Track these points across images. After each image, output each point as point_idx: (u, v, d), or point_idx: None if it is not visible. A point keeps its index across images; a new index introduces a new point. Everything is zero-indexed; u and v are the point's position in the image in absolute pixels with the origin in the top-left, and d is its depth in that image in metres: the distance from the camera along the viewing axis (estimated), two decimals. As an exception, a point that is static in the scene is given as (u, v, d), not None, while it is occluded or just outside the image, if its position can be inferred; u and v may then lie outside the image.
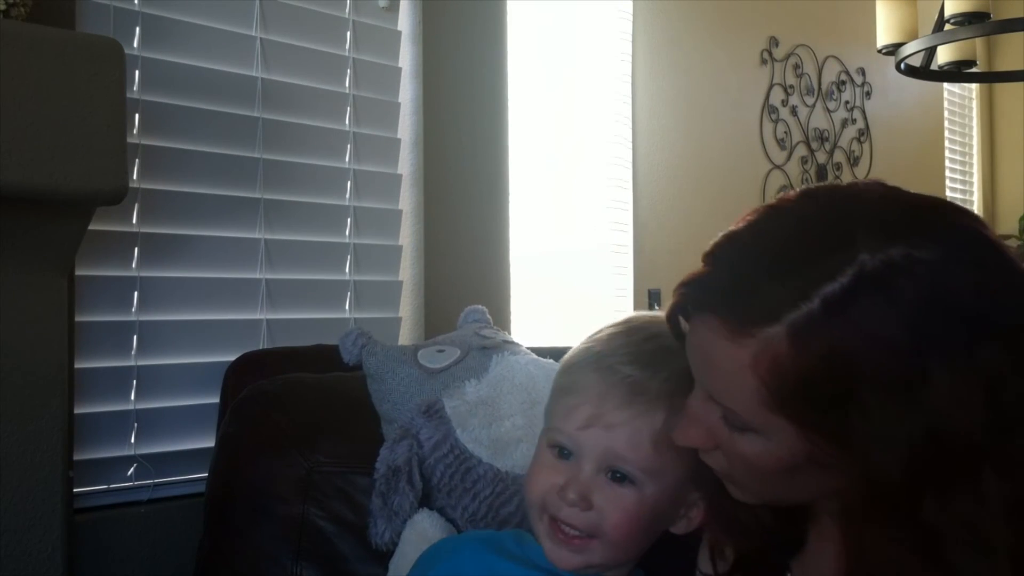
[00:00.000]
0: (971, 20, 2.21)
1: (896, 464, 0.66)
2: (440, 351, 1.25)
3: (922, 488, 0.66)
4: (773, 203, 0.75)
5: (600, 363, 0.87)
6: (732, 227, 0.75)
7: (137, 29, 1.48)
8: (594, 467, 0.84)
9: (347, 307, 1.77)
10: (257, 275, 1.63)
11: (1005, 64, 3.80)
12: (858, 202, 0.71)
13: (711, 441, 0.76)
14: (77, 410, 1.38)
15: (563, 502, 0.84)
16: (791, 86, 3.01)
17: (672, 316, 0.78)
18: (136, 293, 1.48)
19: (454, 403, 1.14)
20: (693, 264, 0.76)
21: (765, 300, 0.68)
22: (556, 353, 1.36)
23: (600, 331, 0.93)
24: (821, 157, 3.13)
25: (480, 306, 1.49)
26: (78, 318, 1.39)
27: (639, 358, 0.86)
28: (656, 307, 2.52)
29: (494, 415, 1.11)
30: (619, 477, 0.84)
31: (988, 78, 3.69)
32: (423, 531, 1.06)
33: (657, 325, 0.88)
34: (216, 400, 1.46)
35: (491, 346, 1.26)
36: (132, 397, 1.47)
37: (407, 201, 1.89)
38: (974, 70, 2.75)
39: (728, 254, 0.73)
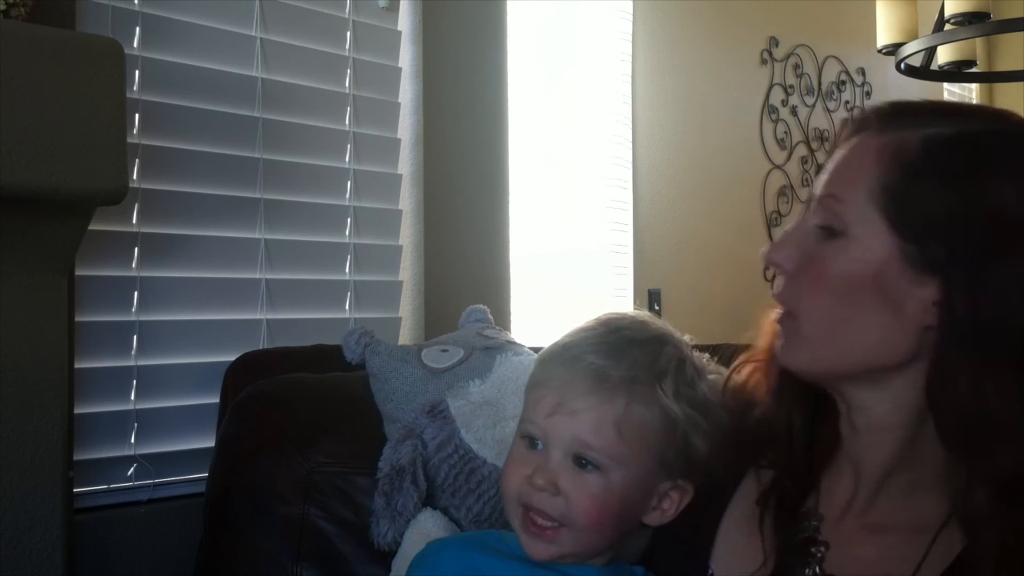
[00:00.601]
0: (971, 20, 2.21)
1: (984, 300, 0.73)
2: (444, 351, 1.26)
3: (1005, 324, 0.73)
4: None
5: (566, 354, 0.90)
6: None
7: (137, 29, 1.48)
8: (561, 454, 0.86)
9: (347, 307, 1.76)
10: (257, 275, 1.63)
11: (1005, 64, 3.80)
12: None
13: (799, 258, 0.82)
14: (77, 410, 1.38)
15: (533, 488, 0.86)
16: (791, 86, 3.01)
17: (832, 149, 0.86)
18: (136, 293, 1.48)
19: (458, 403, 1.14)
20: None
21: (912, 116, 0.80)
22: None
23: (574, 328, 0.95)
24: (821, 157, 3.13)
25: (482, 306, 1.49)
26: (78, 318, 1.39)
27: (602, 348, 0.88)
28: (656, 307, 2.52)
29: (498, 415, 1.11)
30: (584, 464, 0.86)
31: (988, 78, 3.68)
32: (426, 531, 1.06)
33: (627, 319, 0.93)
34: (216, 400, 1.46)
35: (494, 346, 1.26)
36: (132, 397, 1.47)
37: (407, 201, 1.89)
38: (974, 70, 2.75)
39: (896, 103, 0.84)
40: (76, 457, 1.37)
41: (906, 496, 0.81)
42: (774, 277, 0.88)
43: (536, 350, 1.34)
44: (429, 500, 1.11)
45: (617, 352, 0.88)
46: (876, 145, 0.79)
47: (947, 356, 0.75)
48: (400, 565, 1.06)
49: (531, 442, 0.89)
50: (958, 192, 0.75)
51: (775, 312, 0.86)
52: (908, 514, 0.80)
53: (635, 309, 0.97)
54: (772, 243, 0.85)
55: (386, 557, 1.10)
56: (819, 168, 0.90)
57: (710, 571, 0.89)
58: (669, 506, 0.90)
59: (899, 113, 0.82)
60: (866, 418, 0.82)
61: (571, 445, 0.86)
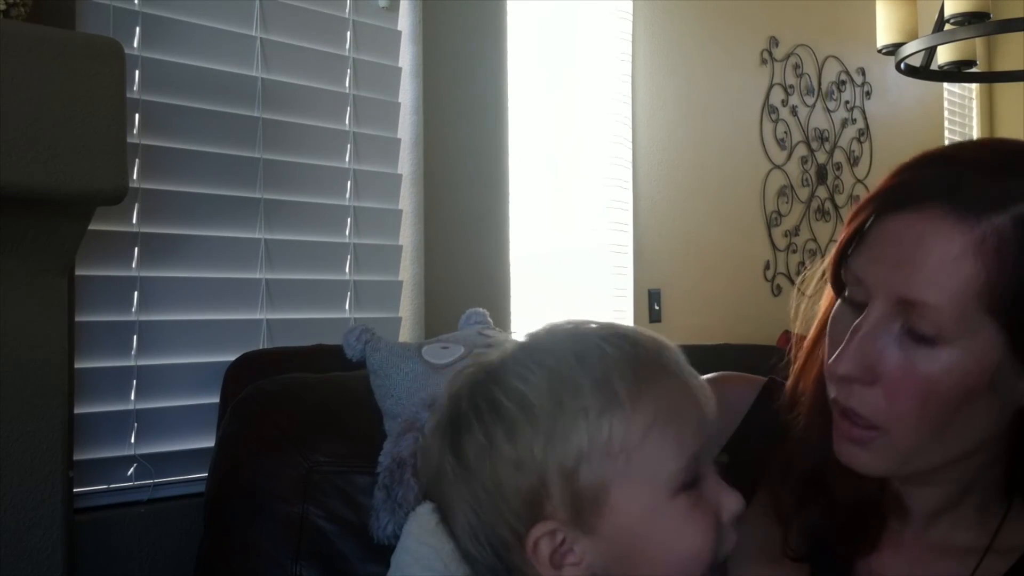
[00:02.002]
0: (971, 20, 2.21)
1: None
2: (444, 348, 1.26)
3: None
4: None
5: (628, 380, 0.66)
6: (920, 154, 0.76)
7: (137, 29, 1.48)
8: (712, 457, 0.71)
9: (347, 307, 1.77)
10: (257, 275, 1.63)
11: (1005, 64, 3.80)
12: None
13: (875, 371, 0.72)
14: (77, 410, 1.38)
15: (736, 518, 0.69)
16: (791, 86, 3.01)
17: (856, 230, 0.74)
18: (136, 293, 1.48)
19: (460, 397, 1.14)
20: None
21: (990, 190, 0.70)
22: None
23: (514, 377, 0.68)
24: (821, 157, 3.13)
25: (481, 309, 1.49)
26: (78, 318, 1.39)
27: (633, 340, 0.70)
28: (656, 307, 2.52)
29: (499, 410, 1.11)
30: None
31: (988, 78, 3.69)
32: (426, 524, 1.06)
33: (570, 329, 0.72)
34: (216, 400, 1.46)
35: (495, 344, 1.26)
36: (132, 397, 1.47)
37: (407, 201, 1.89)
38: (974, 70, 2.75)
39: (935, 161, 0.75)
40: (76, 457, 1.37)
41: (950, 527, 0.80)
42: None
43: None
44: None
45: (637, 335, 0.72)
46: (968, 243, 0.69)
47: None
48: (401, 560, 1.06)
49: (690, 482, 0.68)
50: None
51: (835, 406, 0.76)
52: (948, 542, 0.80)
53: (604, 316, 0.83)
54: (842, 353, 0.73)
55: (386, 555, 1.10)
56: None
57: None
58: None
59: (968, 183, 0.71)
60: (927, 490, 0.80)
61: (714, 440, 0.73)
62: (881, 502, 0.80)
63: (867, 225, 0.75)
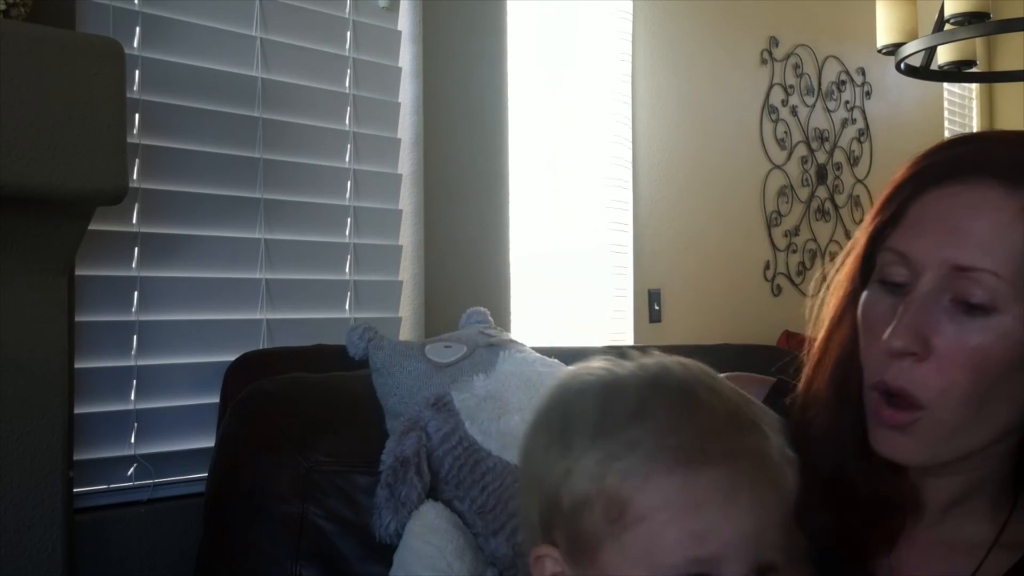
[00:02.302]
0: (971, 20, 2.21)
1: None
2: (447, 347, 1.26)
3: None
4: None
5: (660, 459, 0.62)
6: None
7: (137, 29, 1.48)
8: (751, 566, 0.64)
9: (347, 307, 1.77)
10: (257, 275, 1.63)
11: (1005, 64, 3.80)
12: None
13: (929, 343, 0.72)
14: (77, 410, 1.38)
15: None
16: (791, 86, 3.01)
17: (894, 212, 0.76)
18: (136, 293, 1.48)
19: (463, 396, 1.14)
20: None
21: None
22: (557, 353, 1.37)
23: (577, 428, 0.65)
24: (821, 157, 3.13)
25: (482, 308, 1.49)
26: (78, 318, 1.39)
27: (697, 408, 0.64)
28: (656, 307, 2.52)
29: (503, 408, 1.12)
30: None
31: (988, 78, 3.69)
32: (429, 522, 1.07)
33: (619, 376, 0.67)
34: (216, 400, 1.46)
35: (497, 343, 1.26)
36: (132, 397, 1.47)
37: (407, 201, 1.89)
38: (974, 70, 2.75)
39: (964, 141, 0.78)
40: (76, 457, 1.37)
41: (960, 521, 0.80)
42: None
43: (536, 350, 1.35)
44: (431, 493, 1.12)
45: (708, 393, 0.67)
46: (1018, 208, 0.71)
47: None
48: (404, 558, 1.06)
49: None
50: None
51: (878, 392, 0.75)
52: (958, 537, 0.80)
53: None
54: (894, 329, 0.72)
55: (386, 555, 1.11)
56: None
57: None
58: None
59: (1007, 154, 0.74)
60: (944, 481, 0.79)
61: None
62: (899, 496, 0.80)
63: (903, 205, 0.75)
